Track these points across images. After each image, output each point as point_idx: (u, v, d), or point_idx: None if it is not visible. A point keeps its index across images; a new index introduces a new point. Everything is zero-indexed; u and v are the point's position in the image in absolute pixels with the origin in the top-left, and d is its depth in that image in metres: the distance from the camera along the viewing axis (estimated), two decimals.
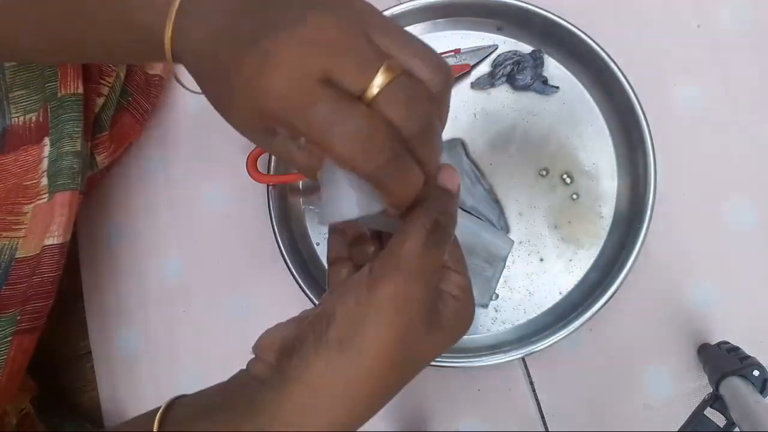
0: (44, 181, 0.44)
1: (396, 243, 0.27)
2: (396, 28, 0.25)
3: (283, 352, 0.27)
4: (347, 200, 0.26)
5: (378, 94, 0.24)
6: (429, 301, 0.27)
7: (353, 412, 0.26)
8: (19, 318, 0.42)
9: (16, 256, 0.43)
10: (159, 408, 0.28)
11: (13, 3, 0.32)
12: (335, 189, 0.26)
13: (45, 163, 0.44)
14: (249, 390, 0.27)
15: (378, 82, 0.24)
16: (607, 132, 0.51)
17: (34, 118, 0.45)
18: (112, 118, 0.50)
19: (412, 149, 0.25)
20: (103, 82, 0.48)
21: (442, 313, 0.28)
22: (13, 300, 0.42)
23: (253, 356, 0.29)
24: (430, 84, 0.26)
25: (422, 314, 0.26)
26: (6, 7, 0.33)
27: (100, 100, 0.48)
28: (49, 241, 0.43)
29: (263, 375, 0.27)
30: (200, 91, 0.28)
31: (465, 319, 0.29)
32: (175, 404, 0.29)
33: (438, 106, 0.27)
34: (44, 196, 0.44)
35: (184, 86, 0.31)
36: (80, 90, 0.45)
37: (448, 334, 0.28)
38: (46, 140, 0.44)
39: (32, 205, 0.44)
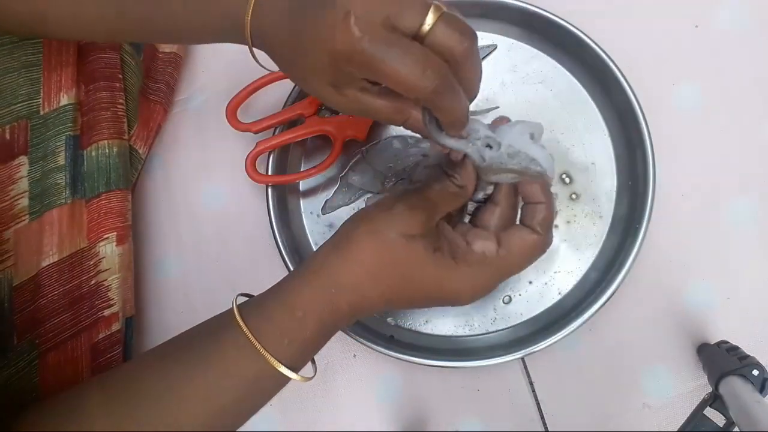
0: (23, 202, 0.43)
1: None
2: None
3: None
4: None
5: (433, 26, 0.29)
6: (419, 210, 0.34)
7: (353, 270, 0.33)
8: (37, 342, 0.42)
9: (14, 285, 0.42)
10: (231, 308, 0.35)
11: None
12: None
13: (23, 184, 0.43)
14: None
15: (429, 20, 0.29)
16: (606, 132, 0.51)
17: None
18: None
19: (461, 70, 0.31)
20: (120, 77, 0.49)
21: (443, 243, 0.34)
22: (25, 326, 0.42)
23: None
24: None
25: (411, 215, 0.33)
26: None
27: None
28: (45, 262, 0.43)
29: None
30: (270, 68, 0.36)
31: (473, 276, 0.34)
32: (237, 298, 0.35)
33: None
34: (23, 218, 0.43)
35: (259, 63, 0.37)
36: (68, 101, 0.45)
37: (442, 264, 0.33)
38: (23, 159, 0.43)
39: (11, 230, 0.42)
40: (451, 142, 0.34)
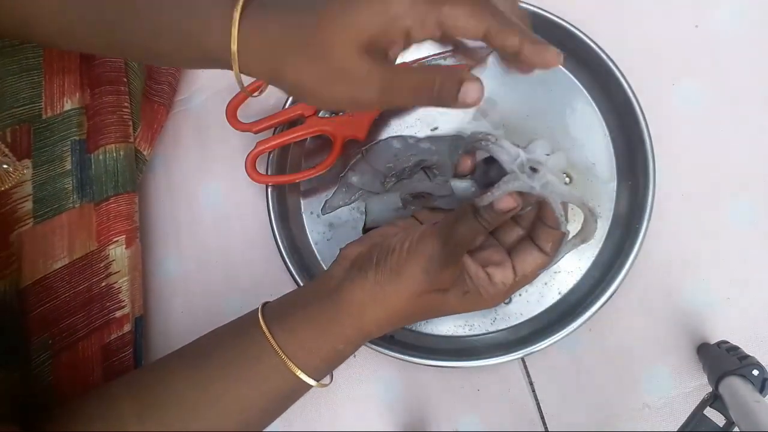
0: (27, 206, 0.43)
1: (445, 218, 0.36)
2: None
3: (354, 263, 0.37)
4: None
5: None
6: (451, 265, 0.35)
7: (388, 315, 0.36)
8: (50, 342, 0.42)
9: (20, 287, 0.42)
10: (255, 309, 0.37)
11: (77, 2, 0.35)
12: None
13: (27, 187, 0.43)
14: (329, 286, 0.37)
15: None
16: (606, 131, 0.51)
17: None
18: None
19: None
20: (125, 81, 0.49)
21: (469, 284, 0.37)
22: (37, 325, 0.42)
23: (336, 260, 0.38)
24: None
25: (444, 273, 0.35)
26: (72, 6, 0.35)
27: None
28: (57, 265, 0.43)
29: (339, 276, 0.37)
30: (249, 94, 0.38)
31: (483, 300, 0.38)
32: (266, 306, 0.38)
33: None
34: (28, 221, 0.43)
35: (243, 88, 0.36)
36: (72, 105, 0.45)
37: (469, 301, 0.37)
38: (26, 163, 0.43)
39: (15, 234, 0.42)
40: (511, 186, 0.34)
